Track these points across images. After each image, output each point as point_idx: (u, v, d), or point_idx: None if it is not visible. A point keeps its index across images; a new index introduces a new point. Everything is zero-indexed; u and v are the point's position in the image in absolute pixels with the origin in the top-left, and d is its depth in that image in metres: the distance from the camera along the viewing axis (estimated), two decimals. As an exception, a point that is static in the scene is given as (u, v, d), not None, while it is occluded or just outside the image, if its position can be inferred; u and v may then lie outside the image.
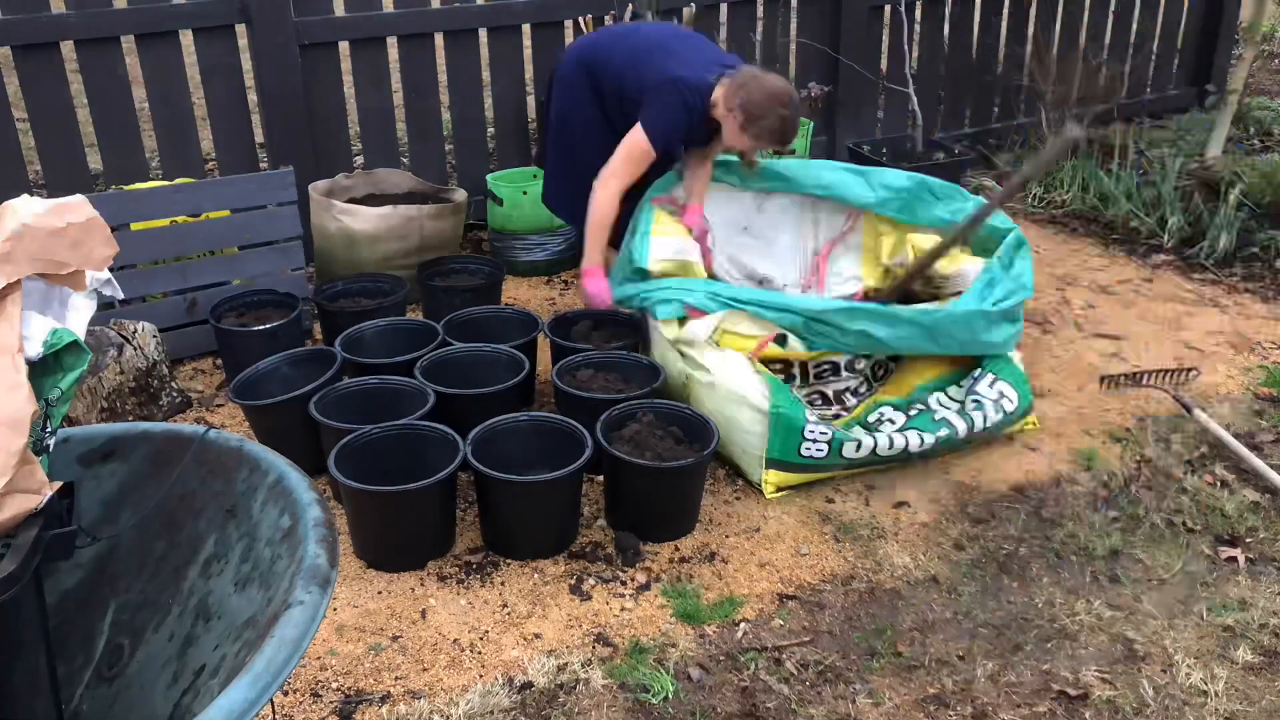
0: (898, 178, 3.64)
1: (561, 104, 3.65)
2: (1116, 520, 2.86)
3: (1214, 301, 4.16)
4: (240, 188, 3.68)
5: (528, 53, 4.69)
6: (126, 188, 3.74)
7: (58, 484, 1.44)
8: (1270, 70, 7.81)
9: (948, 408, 3.09)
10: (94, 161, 4.44)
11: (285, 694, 2.27)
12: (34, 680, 1.50)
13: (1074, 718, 2.22)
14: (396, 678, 2.33)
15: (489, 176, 4.52)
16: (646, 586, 2.61)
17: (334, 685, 2.30)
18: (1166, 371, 3.53)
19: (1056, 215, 5.06)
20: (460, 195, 4.25)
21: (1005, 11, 5.79)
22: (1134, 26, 6.23)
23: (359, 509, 2.65)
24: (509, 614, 2.52)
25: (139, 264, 3.53)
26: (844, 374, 3.30)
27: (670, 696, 2.26)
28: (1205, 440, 3.19)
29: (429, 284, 3.87)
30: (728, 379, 2.97)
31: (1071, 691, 2.28)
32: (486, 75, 4.72)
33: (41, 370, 1.47)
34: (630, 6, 4.44)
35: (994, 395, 3.09)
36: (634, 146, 3.29)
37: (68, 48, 3.86)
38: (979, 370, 3.18)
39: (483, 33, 4.59)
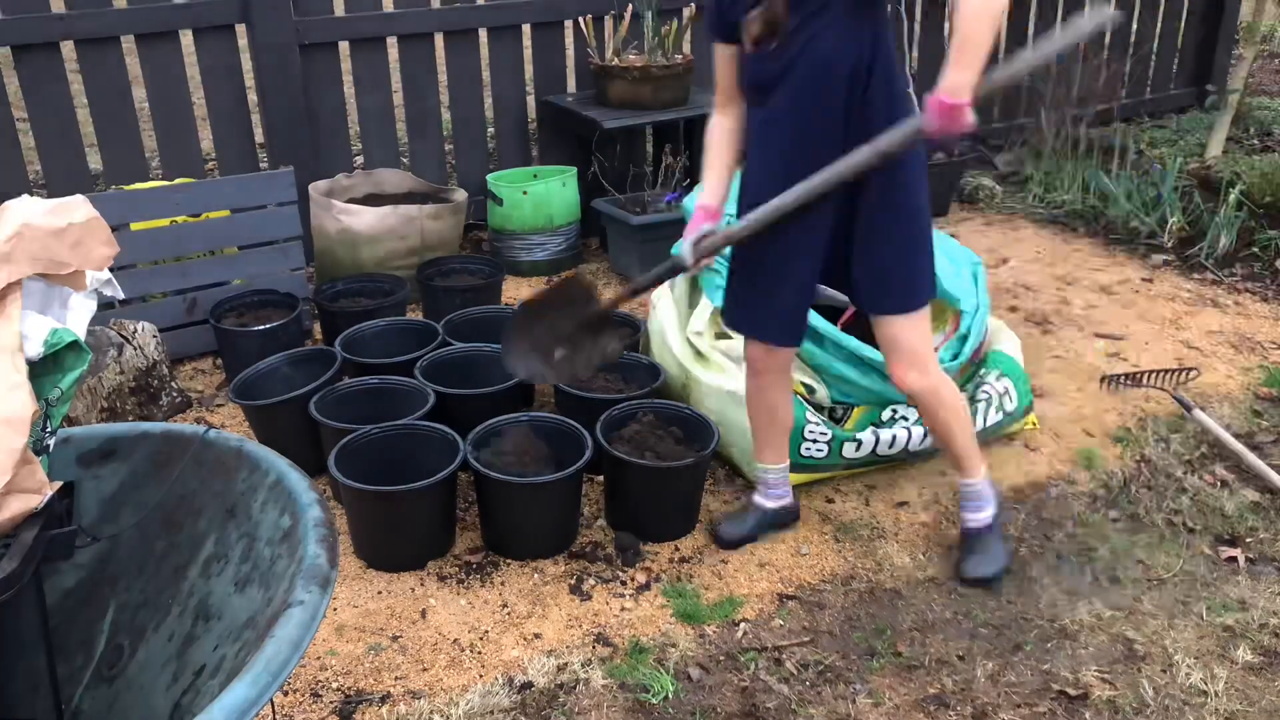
0: None
1: None
2: (1116, 520, 2.86)
3: (1214, 301, 4.16)
4: (240, 188, 3.68)
5: (528, 53, 4.69)
6: (126, 188, 3.74)
7: (58, 484, 1.44)
8: (1270, 70, 7.81)
9: None
10: (94, 161, 4.44)
11: (285, 694, 2.27)
12: (34, 680, 1.51)
13: (1074, 718, 2.22)
14: (396, 678, 2.33)
15: (489, 176, 4.53)
16: (646, 586, 2.61)
17: (334, 685, 2.30)
18: (1166, 371, 3.53)
19: (1057, 215, 5.06)
20: (460, 195, 4.25)
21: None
22: (1134, 27, 6.23)
23: (359, 509, 2.65)
24: (509, 614, 2.52)
25: (139, 264, 3.53)
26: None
27: (670, 696, 2.26)
28: (1205, 440, 3.19)
29: (429, 284, 3.87)
30: (728, 378, 2.97)
31: (1071, 691, 2.27)
32: (486, 75, 4.72)
33: (41, 370, 1.47)
34: (630, 7, 4.44)
35: (1000, 389, 3.09)
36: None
37: (68, 48, 3.86)
38: (984, 367, 3.18)
39: (483, 33, 4.59)
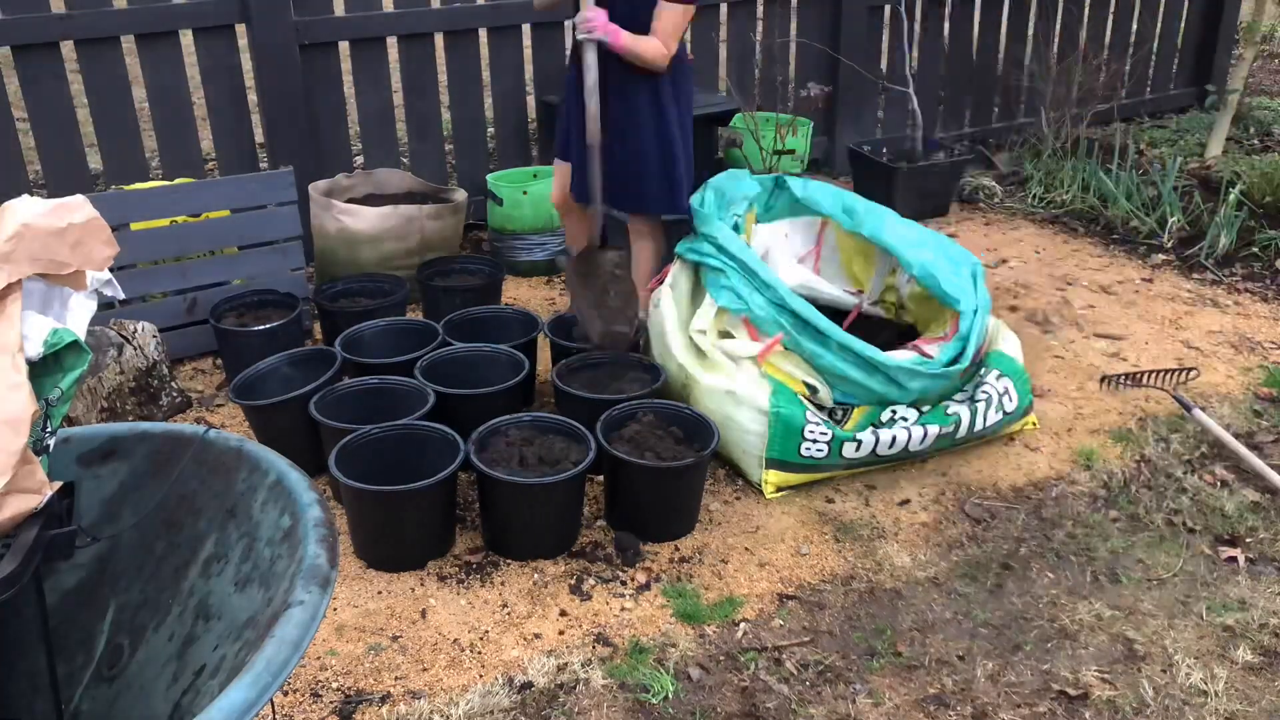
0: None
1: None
2: (1116, 520, 2.86)
3: (1214, 301, 4.16)
4: (240, 188, 3.68)
5: (528, 53, 4.69)
6: (126, 188, 3.74)
7: (58, 484, 1.44)
8: (1270, 70, 7.82)
9: (959, 402, 3.09)
10: (94, 161, 4.45)
11: (285, 694, 2.27)
12: (34, 680, 1.51)
13: (1074, 718, 2.22)
14: (396, 678, 2.33)
15: (489, 176, 4.53)
16: (646, 586, 2.61)
17: (334, 685, 2.30)
18: (1166, 371, 3.53)
19: (1057, 215, 5.06)
20: (460, 195, 4.25)
21: (1005, 11, 5.79)
22: (1134, 26, 6.23)
23: (359, 509, 2.65)
24: (509, 614, 2.52)
25: (139, 264, 3.53)
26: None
27: (670, 696, 2.26)
28: (1205, 440, 3.19)
29: (429, 284, 3.87)
30: (728, 378, 2.97)
31: (1071, 691, 2.28)
32: (486, 75, 4.72)
33: (41, 370, 1.47)
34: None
35: (1000, 389, 3.09)
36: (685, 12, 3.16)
37: (68, 48, 3.86)
38: (984, 367, 3.18)
39: (483, 33, 4.59)
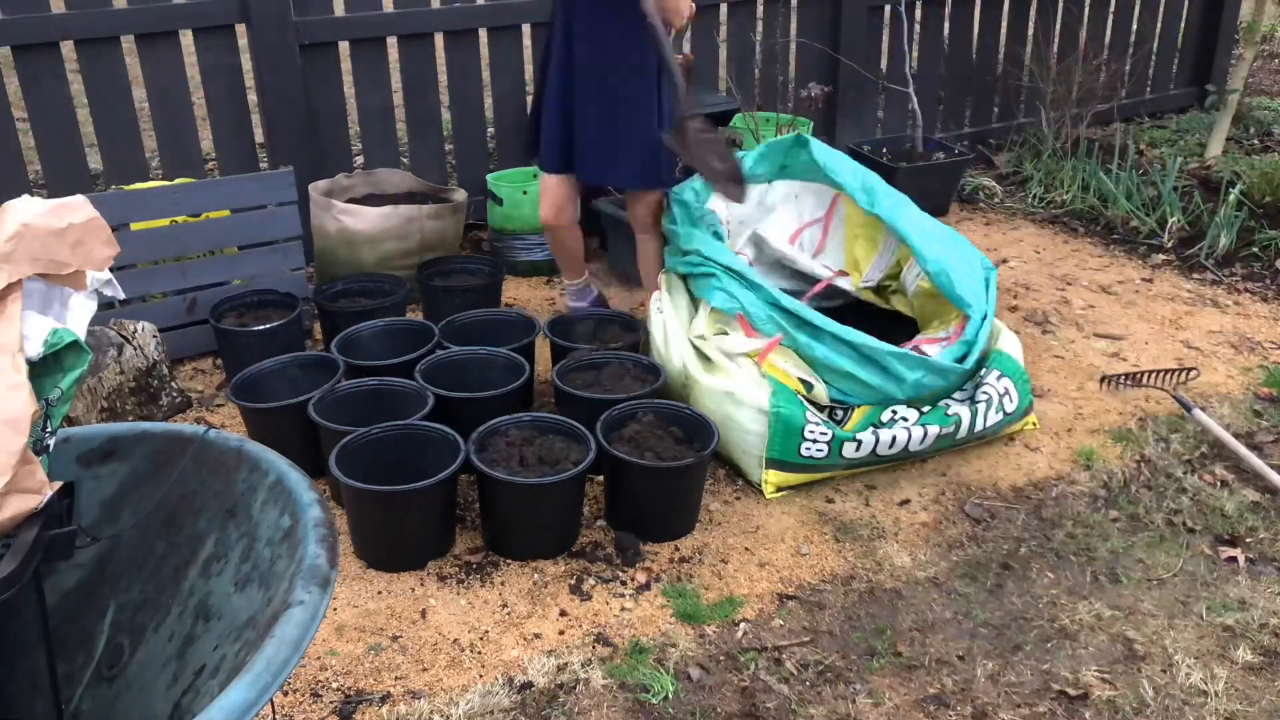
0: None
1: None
2: (1116, 520, 2.86)
3: (1214, 301, 4.16)
4: (240, 188, 3.68)
5: (528, 53, 4.69)
6: (126, 188, 3.74)
7: (58, 484, 1.44)
8: (1270, 70, 7.81)
9: (959, 402, 3.09)
10: (94, 161, 4.44)
11: (285, 694, 2.27)
12: (34, 680, 1.51)
13: (1074, 718, 2.22)
14: (396, 678, 2.33)
15: (489, 176, 4.52)
16: (646, 586, 2.61)
17: (334, 685, 2.30)
18: (1166, 371, 3.54)
19: (1057, 215, 5.06)
20: (460, 195, 4.25)
21: (1005, 11, 5.79)
22: (1134, 26, 6.23)
23: (359, 509, 2.65)
24: (509, 614, 2.52)
25: (139, 264, 3.53)
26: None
27: (670, 696, 2.26)
28: (1205, 440, 3.19)
29: (429, 284, 3.87)
30: (728, 378, 2.97)
31: (1071, 691, 2.28)
32: (486, 75, 4.72)
33: (41, 370, 1.47)
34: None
35: (1000, 389, 3.09)
36: None
37: (68, 48, 3.86)
38: (984, 367, 3.18)
39: (483, 33, 4.59)
